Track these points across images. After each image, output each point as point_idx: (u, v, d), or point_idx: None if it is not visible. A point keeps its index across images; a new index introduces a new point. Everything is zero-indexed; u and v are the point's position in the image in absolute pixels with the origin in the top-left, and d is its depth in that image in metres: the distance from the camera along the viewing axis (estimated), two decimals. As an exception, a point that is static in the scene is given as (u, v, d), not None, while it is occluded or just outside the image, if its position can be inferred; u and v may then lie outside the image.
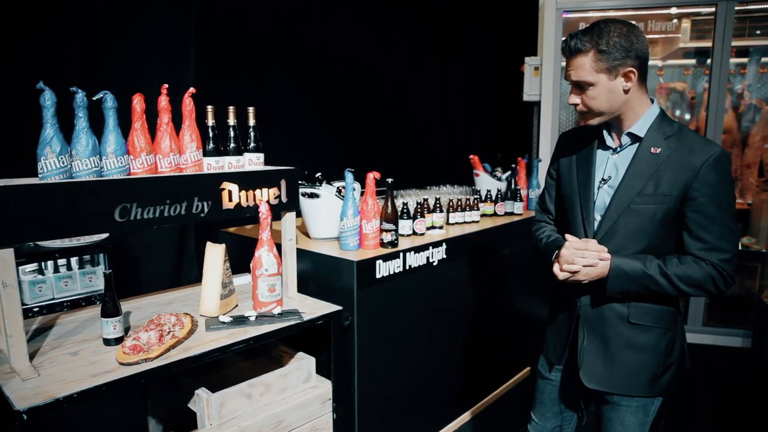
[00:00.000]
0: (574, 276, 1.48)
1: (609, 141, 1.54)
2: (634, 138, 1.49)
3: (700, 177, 1.37)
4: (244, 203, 1.83)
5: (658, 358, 1.50)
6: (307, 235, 2.44)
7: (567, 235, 1.55)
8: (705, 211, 1.39)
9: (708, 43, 3.74)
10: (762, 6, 3.74)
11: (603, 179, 1.52)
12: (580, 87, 1.45)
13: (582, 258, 1.47)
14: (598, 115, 1.47)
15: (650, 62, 4.69)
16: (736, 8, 3.59)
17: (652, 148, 1.44)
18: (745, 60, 4.08)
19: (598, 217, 1.52)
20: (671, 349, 1.53)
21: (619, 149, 1.52)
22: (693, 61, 4.19)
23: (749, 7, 3.74)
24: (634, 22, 1.46)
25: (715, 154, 1.37)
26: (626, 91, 1.43)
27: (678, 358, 1.55)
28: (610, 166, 1.52)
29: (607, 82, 1.41)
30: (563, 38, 1.48)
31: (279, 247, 1.96)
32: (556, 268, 1.51)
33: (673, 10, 3.88)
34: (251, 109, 1.91)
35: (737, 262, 1.42)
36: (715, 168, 1.37)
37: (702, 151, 1.38)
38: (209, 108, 1.80)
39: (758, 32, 3.91)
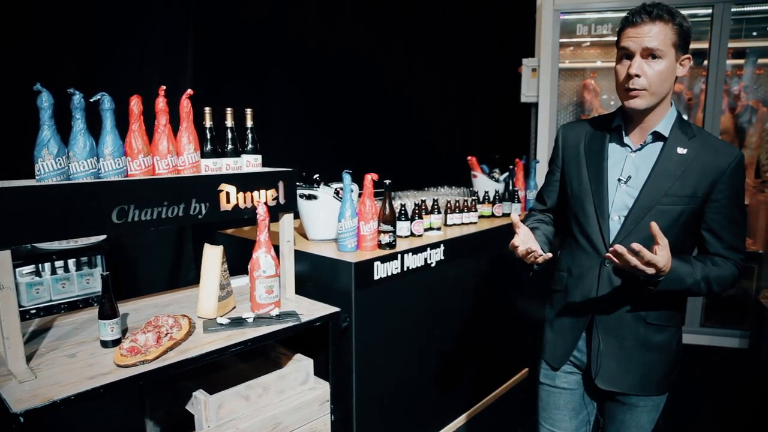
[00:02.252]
0: (648, 263, 1.29)
1: (626, 139, 1.50)
2: (658, 137, 1.46)
3: (726, 179, 1.40)
4: (241, 205, 1.83)
5: (670, 356, 1.52)
6: (304, 236, 2.44)
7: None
8: (727, 213, 1.42)
9: (705, 45, 3.75)
10: (758, 8, 3.76)
11: (620, 179, 1.49)
12: (649, 57, 1.38)
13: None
14: (651, 97, 1.40)
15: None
16: (732, 10, 3.60)
17: (679, 149, 1.43)
18: (741, 61, 4.09)
19: (615, 217, 1.50)
20: (680, 347, 1.55)
21: (640, 148, 1.48)
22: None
23: (745, 8, 3.75)
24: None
25: (739, 156, 1.41)
26: (676, 79, 1.42)
27: (682, 356, 1.58)
28: (629, 165, 1.49)
29: (672, 60, 1.38)
30: (633, 8, 1.40)
31: (277, 248, 1.96)
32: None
33: (670, 12, 3.89)
34: (249, 111, 1.91)
35: None
36: (738, 170, 1.41)
37: (727, 154, 1.40)
38: (207, 109, 1.79)
39: (755, 34, 3.93)
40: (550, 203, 1.75)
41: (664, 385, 1.54)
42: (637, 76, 1.38)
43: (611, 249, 1.30)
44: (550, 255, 1.48)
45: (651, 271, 1.29)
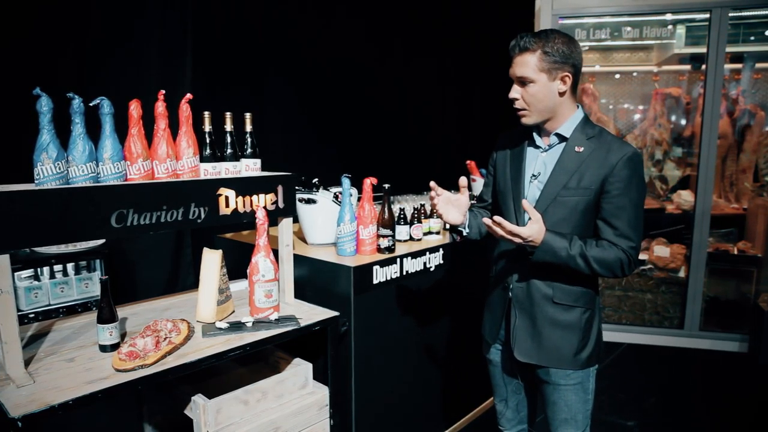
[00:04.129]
0: (510, 233, 1.52)
1: (538, 141, 1.68)
2: (561, 138, 1.63)
3: (615, 173, 1.54)
4: (241, 209, 1.83)
5: (578, 334, 1.65)
6: (304, 240, 2.44)
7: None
8: (617, 203, 1.55)
9: (703, 49, 3.76)
10: (755, 12, 3.77)
11: (533, 175, 1.67)
12: (522, 83, 1.58)
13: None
14: (534, 114, 1.60)
15: (646, 68, 4.64)
16: (730, 15, 3.62)
17: (576, 147, 1.60)
18: (739, 66, 4.10)
19: None
20: (590, 326, 1.68)
21: (548, 148, 1.66)
22: (688, 67, 4.21)
23: (743, 13, 3.76)
24: (574, 37, 1.63)
25: (629, 153, 1.55)
26: (561, 94, 1.58)
27: (596, 335, 1.70)
28: (540, 163, 1.67)
29: (546, 82, 1.56)
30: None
31: (276, 252, 1.96)
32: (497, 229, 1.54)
33: (668, 17, 3.90)
34: (248, 115, 1.91)
35: (640, 251, 1.61)
36: (627, 165, 1.54)
37: (618, 151, 1.55)
38: (206, 114, 1.80)
39: (752, 38, 3.94)
40: (486, 200, 1.93)
41: (580, 361, 1.66)
42: (515, 99, 1.61)
43: (483, 219, 1.54)
44: (448, 193, 1.74)
45: (517, 240, 1.51)
